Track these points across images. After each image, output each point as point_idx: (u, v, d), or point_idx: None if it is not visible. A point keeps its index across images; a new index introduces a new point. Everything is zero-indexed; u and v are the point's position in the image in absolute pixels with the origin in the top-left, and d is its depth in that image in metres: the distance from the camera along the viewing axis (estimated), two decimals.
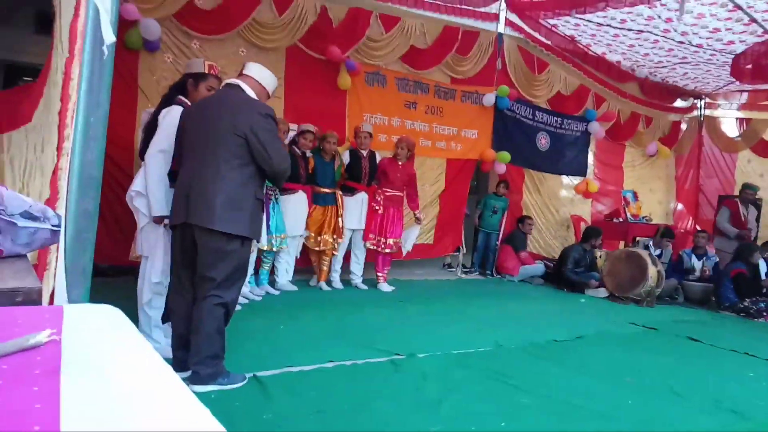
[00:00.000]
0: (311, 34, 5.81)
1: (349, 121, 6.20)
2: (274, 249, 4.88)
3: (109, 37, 1.11)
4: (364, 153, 5.60)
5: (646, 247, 7.22)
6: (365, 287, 5.71)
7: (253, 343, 3.46)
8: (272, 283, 5.21)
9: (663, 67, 8.05)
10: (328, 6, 5.89)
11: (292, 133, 5.21)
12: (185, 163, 2.75)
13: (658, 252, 7.08)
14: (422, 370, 3.20)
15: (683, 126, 9.67)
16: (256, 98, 2.74)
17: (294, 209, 5.01)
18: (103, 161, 1.15)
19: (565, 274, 6.75)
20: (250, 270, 4.72)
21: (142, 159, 3.22)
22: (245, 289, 4.68)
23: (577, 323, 4.88)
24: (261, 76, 2.83)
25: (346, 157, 5.57)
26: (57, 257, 1.06)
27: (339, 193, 5.45)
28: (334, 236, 5.40)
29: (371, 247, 5.68)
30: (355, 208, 5.54)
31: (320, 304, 4.82)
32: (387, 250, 5.70)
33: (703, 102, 9.61)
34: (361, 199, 5.58)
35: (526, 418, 2.63)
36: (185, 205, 2.63)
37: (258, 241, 3.79)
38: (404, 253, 5.94)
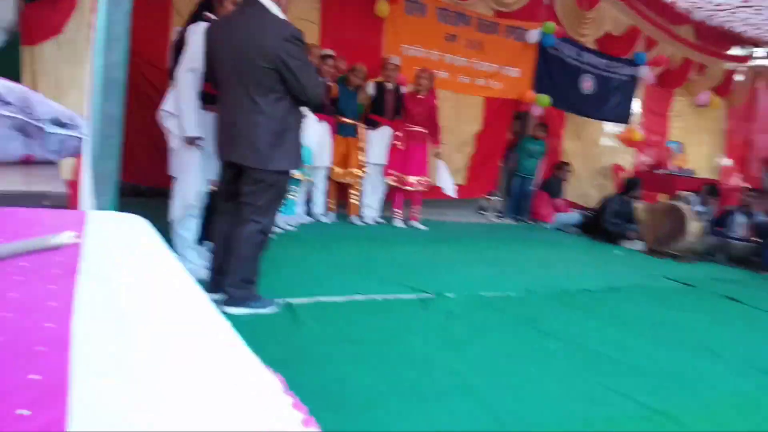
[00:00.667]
0: None
1: (386, 52, 5.96)
2: (300, 177, 4.83)
3: None
4: (390, 86, 5.43)
5: (689, 202, 6.94)
6: (383, 222, 5.65)
7: (286, 271, 3.49)
8: (309, 213, 5.21)
9: (722, 10, 7.49)
10: None
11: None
12: (222, 95, 2.70)
13: (701, 208, 6.80)
14: (451, 310, 3.18)
15: (738, 76, 9.08)
16: (279, 14, 2.57)
17: (318, 140, 4.89)
18: (127, 63, 1.07)
19: (604, 224, 6.57)
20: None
21: (171, 78, 3.14)
22: (279, 218, 4.67)
23: (611, 274, 4.76)
24: None
25: (371, 89, 5.39)
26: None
27: (360, 125, 5.30)
28: (357, 170, 5.31)
29: (392, 184, 5.57)
30: (378, 142, 5.42)
31: (352, 238, 4.82)
32: (408, 188, 5.57)
33: (761, 51, 8.96)
34: (384, 133, 5.45)
35: (555, 363, 2.59)
36: (230, 142, 2.65)
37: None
38: (451, 194, 5.76)
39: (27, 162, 1.13)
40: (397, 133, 5.50)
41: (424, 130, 5.56)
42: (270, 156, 2.60)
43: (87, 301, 0.47)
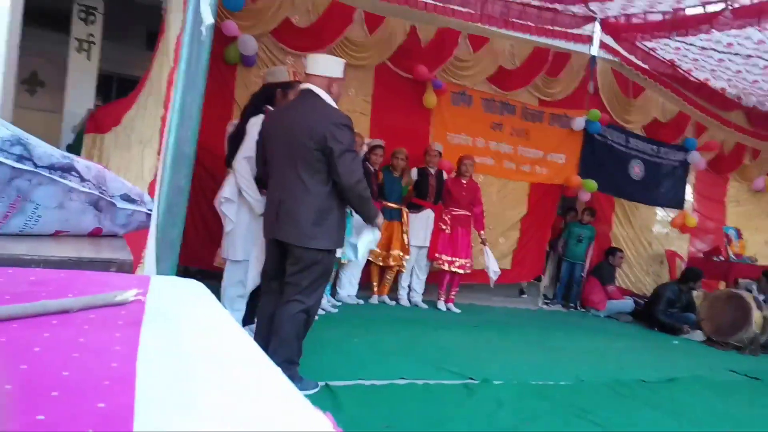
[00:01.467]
0: (400, 53, 5.88)
1: (433, 140, 6.17)
2: (343, 261, 4.91)
3: (208, 18, 1.15)
4: (432, 171, 5.61)
5: (749, 291, 6.60)
6: (425, 306, 5.62)
7: (327, 353, 3.47)
8: (333, 295, 5.23)
9: None
10: (417, 26, 5.95)
11: (365, 148, 5.25)
12: (272, 175, 2.82)
13: (763, 297, 6.45)
14: (497, 397, 3.07)
15: None
16: (331, 103, 2.71)
17: (364, 224, 5.02)
18: (196, 140, 1.18)
19: (657, 315, 6.29)
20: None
21: (228, 167, 3.35)
22: (323, 299, 4.72)
23: (669, 365, 4.51)
24: (324, 69, 2.73)
25: (414, 174, 5.58)
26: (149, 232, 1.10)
27: (405, 209, 5.44)
28: (401, 252, 5.37)
29: (441, 267, 5.60)
30: (420, 225, 5.53)
31: (392, 320, 4.78)
32: (459, 270, 5.60)
33: None
34: (426, 216, 5.56)
35: None
36: (275, 220, 2.72)
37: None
38: (494, 277, 5.74)
39: (95, 234, 1.23)
40: (443, 217, 5.60)
41: (468, 214, 5.67)
42: (312, 234, 2.65)
43: (150, 345, 0.51)
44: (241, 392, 0.43)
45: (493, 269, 5.69)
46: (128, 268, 0.97)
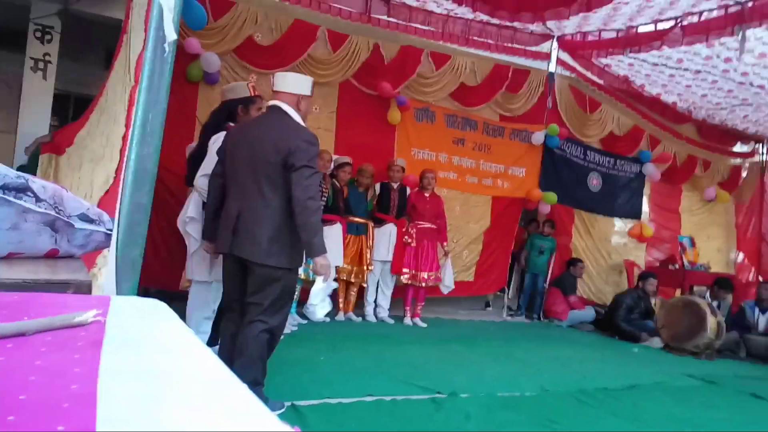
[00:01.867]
0: (364, 70, 5.94)
1: (397, 156, 6.23)
2: (311, 279, 4.89)
3: (171, 35, 1.15)
4: (395, 186, 5.68)
5: (704, 297, 6.85)
6: (392, 321, 5.63)
7: (292, 372, 3.43)
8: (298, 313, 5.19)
9: (722, 108, 7.80)
10: (380, 44, 6.03)
11: (331, 165, 5.28)
12: (231, 190, 2.76)
13: (717, 303, 6.69)
14: (465, 410, 3.09)
15: (744, 171, 9.27)
16: (298, 120, 2.69)
17: (333, 240, 5.04)
18: (158, 156, 1.17)
19: (617, 322, 6.46)
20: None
21: (189, 186, 3.30)
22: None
23: (630, 372, 4.62)
24: (292, 86, 2.73)
25: (377, 189, 5.67)
26: (108, 250, 1.08)
27: (371, 223, 5.49)
28: (365, 267, 5.40)
29: (406, 282, 5.62)
30: (383, 240, 5.56)
31: (359, 337, 4.76)
32: (423, 284, 5.64)
33: (765, 147, 9.21)
34: (389, 231, 5.60)
35: None
36: (231, 235, 2.64)
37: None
38: (445, 291, 5.83)
39: (51, 256, 1.20)
40: (409, 230, 5.65)
41: (433, 226, 5.74)
42: (270, 251, 2.58)
43: (112, 366, 0.50)
44: (207, 410, 0.43)
45: (446, 284, 5.75)
46: (86, 289, 0.95)
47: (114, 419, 0.39)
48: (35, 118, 6.16)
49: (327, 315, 5.19)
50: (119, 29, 4.28)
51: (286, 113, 2.68)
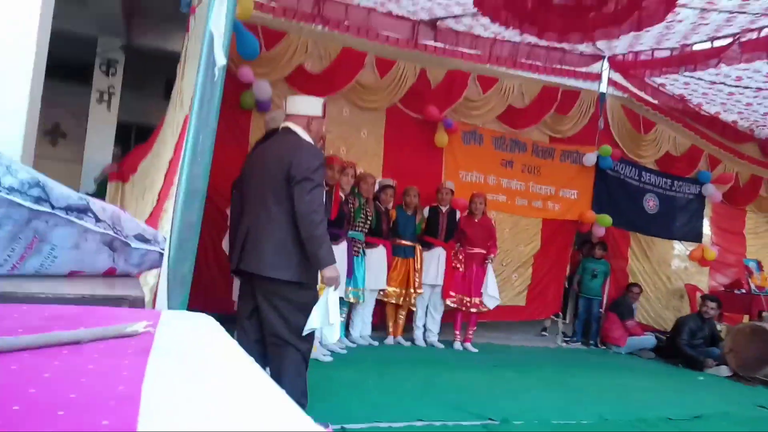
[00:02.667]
0: (410, 95, 6.00)
1: (445, 179, 6.22)
2: (352, 300, 4.90)
3: (221, 59, 1.20)
4: (444, 209, 5.62)
5: None
6: (441, 345, 5.53)
7: (340, 395, 3.42)
8: (347, 336, 5.18)
9: None
10: (427, 69, 6.09)
11: (376, 187, 5.31)
12: (244, 209, 2.82)
13: None
14: None
15: None
16: (308, 139, 2.72)
17: (375, 263, 5.07)
18: (208, 176, 1.21)
19: (680, 346, 6.14)
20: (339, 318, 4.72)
21: None
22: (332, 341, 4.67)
23: (695, 402, 4.38)
24: (301, 108, 2.78)
25: (426, 212, 5.63)
26: (161, 268, 1.12)
27: (418, 247, 5.45)
28: (413, 290, 5.35)
29: (454, 306, 5.55)
30: (431, 263, 5.51)
31: (408, 361, 4.72)
32: (473, 309, 5.55)
33: None
34: (437, 254, 5.54)
35: None
36: (240, 252, 2.67)
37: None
38: (490, 305, 5.65)
39: (109, 274, 1.26)
40: (458, 255, 5.60)
41: (483, 251, 5.64)
42: (273, 264, 2.56)
43: (158, 370, 0.52)
44: (244, 412, 0.44)
45: (490, 293, 5.59)
46: (140, 304, 0.99)
47: (156, 418, 0.40)
48: (100, 147, 6.52)
49: (373, 339, 5.24)
50: (178, 60, 4.51)
51: (294, 133, 2.72)
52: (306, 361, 2.70)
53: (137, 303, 0.99)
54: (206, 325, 0.83)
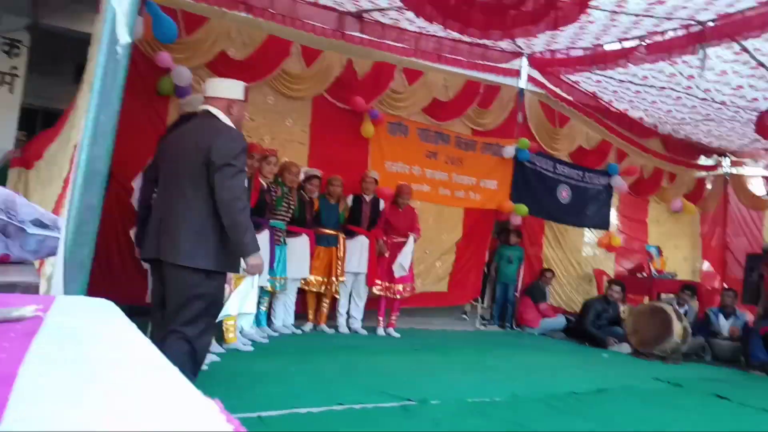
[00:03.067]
0: (337, 85, 6.01)
1: (371, 168, 6.29)
2: (276, 290, 4.88)
3: (124, 37, 1.17)
4: (368, 198, 5.69)
5: (670, 304, 7.00)
6: (365, 332, 5.62)
7: (261, 384, 3.41)
8: (269, 324, 5.16)
9: (686, 123, 8.04)
10: (353, 59, 6.11)
11: (302, 176, 5.29)
12: (159, 195, 2.75)
13: (683, 309, 6.86)
14: (435, 417, 3.11)
15: (708, 184, 9.56)
16: (227, 122, 2.63)
17: (298, 252, 5.06)
18: (110, 158, 1.19)
19: (587, 327, 6.57)
20: (255, 309, 4.68)
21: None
22: (251, 330, 4.63)
23: (599, 377, 4.70)
24: (222, 91, 2.69)
25: (350, 201, 5.68)
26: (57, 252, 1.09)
27: (342, 235, 5.50)
28: (335, 278, 5.41)
29: (380, 293, 5.65)
30: (354, 251, 5.57)
31: (331, 348, 4.76)
32: (398, 296, 5.68)
33: (728, 160, 9.51)
34: (361, 242, 5.61)
35: None
36: (154, 239, 2.59)
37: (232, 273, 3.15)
38: (396, 274, 5.69)
39: (2, 261, 1.21)
40: (385, 243, 5.67)
41: (405, 240, 5.76)
42: (189, 252, 2.47)
43: (41, 352, 0.52)
44: (133, 392, 0.45)
45: (401, 262, 5.64)
46: (34, 291, 0.97)
47: (28, 399, 0.40)
48: (1, 131, 6.08)
49: (296, 328, 5.24)
50: (89, 43, 4.28)
51: (215, 116, 2.63)
52: (196, 354, 2.56)
53: (30, 290, 0.97)
54: (104, 309, 0.83)
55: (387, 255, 5.67)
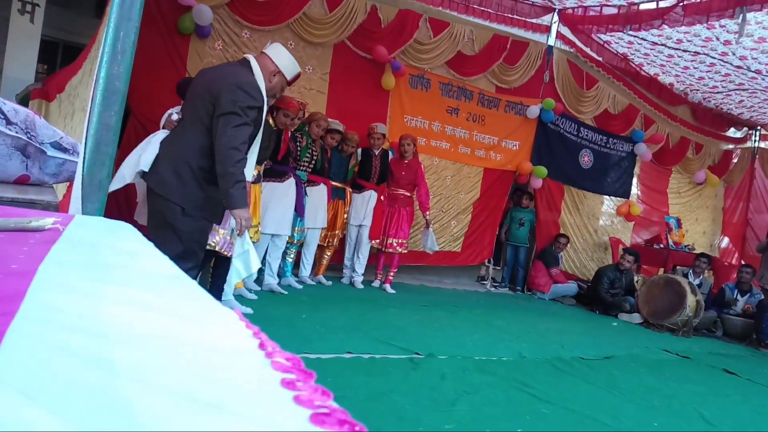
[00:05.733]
0: (359, 33, 5.84)
1: (390, 122, 6.19)
2: (295, 241, 4.89)
3: None
4: (376, 152, 5.60)
5: (686, 276, 6.94)
6: (361, 286, 5.58)
7: (272, 328, 3.44)
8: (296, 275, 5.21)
9: (718, 92, 7.79)
10: (378, 6, 5.92)
11: (323, 125, 5.20)
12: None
13: (697, 282, 6.80)
14: (441, 371, 3.13)
15: (735, 156, 9.32)
16: (260, 80, 2.55)
17: (317, 202, 5.04)
18: (129, 76, 1.14)
19: (599, 294, 6.55)
20: (277, 263, 4.71)
21: None
22: (272, 281, 4.65)
23: (607, 344, 4.71)
24: (277, 56, 2.64)
25: (358, 155, 5.61)
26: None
27: (348, 189, 5.46)
28: (338, 231, 5.40)
29: (376, 246, 5.63)
30: (360, 205, 5.54)
31: (344, 299, 4.80)
32: (389, 250, 5.63)
33: (758, 133, 9.23)
34: (368, 197, 5.56)
35: (545, 427, 2.53)
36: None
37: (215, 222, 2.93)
38: (430, 252, 5.83)
39: (22, 182, 1.19)
40: (381, 197, 5.61)
41: (408, 194, 5.70)
42: (172, 184, 2.44)
43: (58, 258, 0.50)
44: (143, 289, 0.43)
45: (430, 246, 5.74)
46: (54, 209, 0.94)
47: (46, 291, 0.39)
48: (21, 62, 6.04)
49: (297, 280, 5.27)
50: None
51: (249, 66, 2.56)
52: None
53: (50, 208, 0.94)
54: (122, 229, 0.80)
55: (384, 210, 5.61)
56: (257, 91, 2.50)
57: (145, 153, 2.56)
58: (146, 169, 2.51)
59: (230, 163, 2.37)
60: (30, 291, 0.37)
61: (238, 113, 2.39)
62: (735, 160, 9.30)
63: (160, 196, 2.47)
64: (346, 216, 5.46)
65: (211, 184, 2.49)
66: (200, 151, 2.46)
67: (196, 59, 5.11)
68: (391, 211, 5.63)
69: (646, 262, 7.48)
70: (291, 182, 4.64)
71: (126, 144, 4.72)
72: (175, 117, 2.54)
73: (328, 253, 5.53)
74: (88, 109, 1.00)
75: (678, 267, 7.30)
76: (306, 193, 4.91)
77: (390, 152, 5.81)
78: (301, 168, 4.80)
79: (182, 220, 2.48)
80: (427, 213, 5.76)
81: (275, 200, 4.52)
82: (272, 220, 4.48)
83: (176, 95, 4.63)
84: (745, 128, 9.17)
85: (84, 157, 0.99)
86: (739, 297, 6.66)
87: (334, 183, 5.31)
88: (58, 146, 1.22)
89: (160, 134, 2.60)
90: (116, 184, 2.65)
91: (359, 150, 5.60)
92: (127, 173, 2.65)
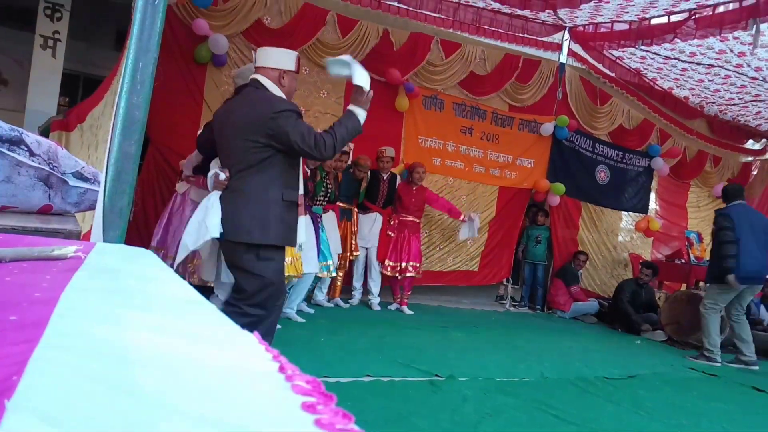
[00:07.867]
0: (372, 56, 5.91)
1: (404, 143, 6.23)
2: (325, 275, 4.85)
3: None
4: (385, 176, 5.61)
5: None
6: (378, 308, 5.57)
7: (290, 352, 3.44)
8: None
9: (734, 104, 7.72)
10: (390, 29, 6.00)
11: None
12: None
13: None
14: (462, 393, 3.09)
15: (755, 168, 9.17)
16: (276, 92, 2.56)
17: (329, 229, 5.01)
18: (148, 106, 1.17)
19: (623, 306, 6.42)
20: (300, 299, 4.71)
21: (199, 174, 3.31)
22: (291, 312, 4.60)
23: (631, 363, 4.61)
24: (273, 61, 2.60)
25: (367, 177, 5.61)
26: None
27: (355, 210, 5.46)
28: (349, 253, 5.38)
29: (389, 274, 5.61)
30: (366, 226, 5.54)
31: (362, 322, 4.78)
32: (407, 274, 5.61)
33: None
34: (373, 218, 5.59)
35: None
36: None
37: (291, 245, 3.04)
38: (475, 235, 5.90)
39: (44, 212, 1.21)
40: (390, 222, 5.63)
41: (416, 220, 5.73)
42: (247, 228, 2.49)
43: (79, 285, 0.51)
44: (163, 314, 0.44)
45: (471, 234, 5.77)
46: (75, 238, 0.96)
47: (68, 317, 0.39)
48: (44, 96, 6.21)
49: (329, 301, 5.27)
50: (130, 9, 4.28)
51: (265, 88, 2.56)
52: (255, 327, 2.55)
53: (72, 236, 0.96)
54: (143, 256, 0.81)
55: (393, 236, 5.61)
56: (285, 102, 2.54)
57: (209, 218, 2.56)
58: (217, 235, 2.54)
59: (324, 147, 2.49)
60: (53, 318, 0.38)
61: (289, 110, 2.47)
62: (755, 173, 9.15)
63: (233, 243, 2.53)
64: (354, 237, 5.44)
65: (290, 212, 2.60)
66: (268, 188, 2.51)
67: (213, 88, 5.21)
68: (401, 237, 5.63)
69: (668, 278, 7.34)
70: (307, 219, 4.53)
71: (145, 172, 4.81)
72: (222, 177, 2.58)
73: (340, 275, 5.52)
74: (109, 139, 1.03)
75: (701, 283, 7.14)
76: (323, 229, 4.85)
77: (399, 177, 5.82)
78: (317, 204, 4.71)
79: (257, 261, 2.53)
80: (462, 215, 5.78)
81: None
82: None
83: (194, 123, 4.72)
84: (764, 140, 9.04)
85: (105, 186, 1.02)
86: (765, 312, 6.49)
87: (341, 204, 5.31)
88: (79, 176, 1.24)
89: (214, 197, 2.63)
90: (181, 255, 2.71)
91: (368, 172, 5.62)
92: (189, 241, 2.66)
